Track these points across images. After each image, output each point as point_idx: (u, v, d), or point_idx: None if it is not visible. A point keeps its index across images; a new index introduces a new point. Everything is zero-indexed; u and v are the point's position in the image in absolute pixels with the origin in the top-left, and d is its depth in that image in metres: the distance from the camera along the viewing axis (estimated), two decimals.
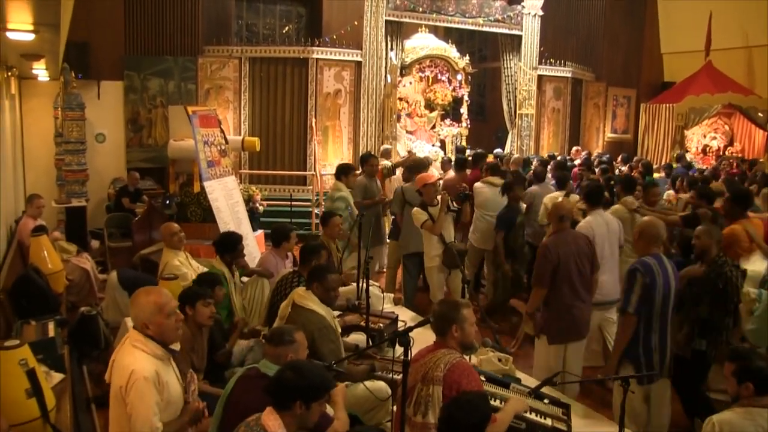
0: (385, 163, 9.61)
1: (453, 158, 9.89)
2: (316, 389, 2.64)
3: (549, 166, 9.49)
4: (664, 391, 4.32)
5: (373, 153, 9.08)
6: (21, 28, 4.58)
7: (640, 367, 4.13)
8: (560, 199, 6.61)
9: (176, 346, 3.14)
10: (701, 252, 4.55)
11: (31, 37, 4.79)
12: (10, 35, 4.69)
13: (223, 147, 7.95)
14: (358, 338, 4.58)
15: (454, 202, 6.26)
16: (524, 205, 7.24)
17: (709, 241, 4.51)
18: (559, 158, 11.25)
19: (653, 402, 4.29)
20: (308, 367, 2.72)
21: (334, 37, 12.29)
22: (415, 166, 7.41)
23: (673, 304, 4.18)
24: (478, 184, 7.31)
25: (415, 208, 6.17)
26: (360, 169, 7.71)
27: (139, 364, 2.89)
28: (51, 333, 4.38)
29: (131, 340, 3.01)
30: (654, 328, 4.14)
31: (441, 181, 7.62)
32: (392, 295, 5.89)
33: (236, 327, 4.64)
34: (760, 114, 14.56)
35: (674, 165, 12.59)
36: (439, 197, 6.15)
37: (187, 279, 5.21)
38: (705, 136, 15.68)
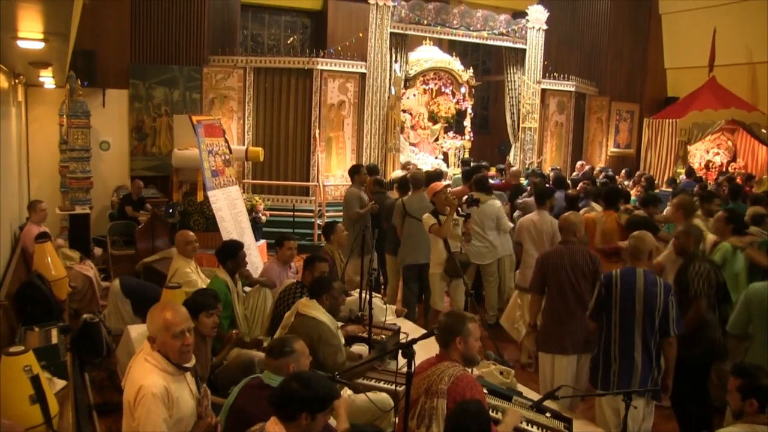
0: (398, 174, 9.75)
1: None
2: (322, 400, 2.64)
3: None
4: (637, 411, 4.09)
5: (363, 165, 8.99)
6: (31, 37, 4.62)
7: (597, 372, 4.29)
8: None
9: (190, 363, 3.06)
10: (681, 250, 4.84)
11: (41, 45, 4.83)
12: (20, 44, 4.73)
13: (227, 156, 7.98)
14: (360, 349, 4.58)
15: (464, 206, 6.46)
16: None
17: (686, 239, 4.77)
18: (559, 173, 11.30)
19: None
20: (314, 378, 2.71)
21: (339, 48, 12.35)
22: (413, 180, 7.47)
23: (643, 317, 4.10)
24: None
25: (426, 214, 6.37)
26: (351, 180, 7.86)
27: (147, 380, 2.84)
28: (54, 340, 4.36)
29: (144, 353, 2.96)
30: (613, 338, 4.18)
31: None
32: (394, 306, 5.90)
33: (229, 340, 4.54)
34: (763, 130, 14.57)
35: (678, 180, 12.61)
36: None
37: (194, 287, 5.20)
38: (708, 152, 15.70)
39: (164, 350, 2.94)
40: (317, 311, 4.08)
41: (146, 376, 2.86)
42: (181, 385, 2.98)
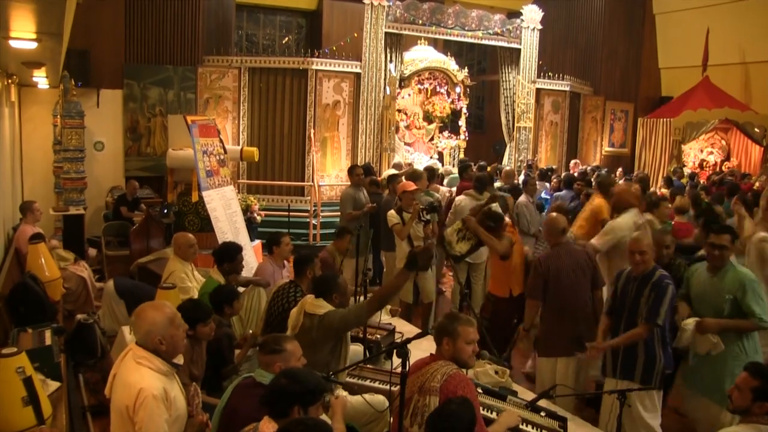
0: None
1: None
2: (312, 393, 2.64)
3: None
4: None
5: (358, 165, 8.98)
6: (24, 37, 4.60)
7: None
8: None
9: (179, 360, 3.07)
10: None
11: (33, 45, 4.81)
12: (12, 43, 4.71)
13: (221, 157, 7.95)
14: (355, 349, 4.57)
15: (424, 212, 6.54)
16: None
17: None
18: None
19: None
20: (302, 372, 2.71)
21: (334, 48, 12.34)
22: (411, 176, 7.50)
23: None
24: (459, 197, 7.34)
25: (390, 211, 6.63)
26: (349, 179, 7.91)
27: (146, 382, 2.80)
28: (48, 341, 4.34)
29: (135, 357, 2.89)
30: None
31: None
32: (389, 306, 5.90)
33: (245, 341, 4.56)
34: (756, 129, 14.65)
35: (673, 178, 12.65)
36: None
37: (189, 293, 5.17)
38: (702, 151, 15.77)
39: (173, 344, 2.96)
40: (325, 309, 3.92)
41: (144, 378, 2.81)
42: (173, 384, 2.96)
